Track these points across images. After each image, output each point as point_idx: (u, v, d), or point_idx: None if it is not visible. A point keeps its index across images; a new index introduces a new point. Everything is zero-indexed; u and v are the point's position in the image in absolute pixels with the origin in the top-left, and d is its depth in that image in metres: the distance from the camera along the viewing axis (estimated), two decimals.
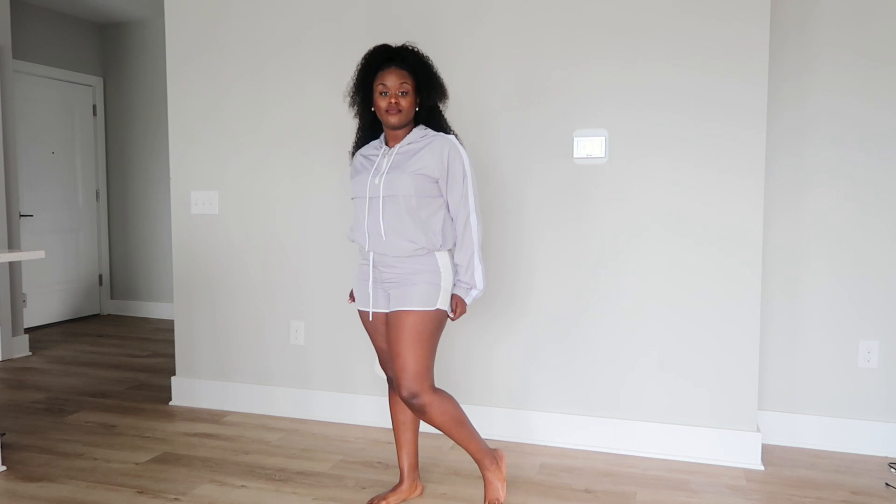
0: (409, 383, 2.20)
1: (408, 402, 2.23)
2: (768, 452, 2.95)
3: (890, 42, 2.87)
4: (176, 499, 2.49)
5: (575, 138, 2.92)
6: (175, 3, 3.46)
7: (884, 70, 2.88)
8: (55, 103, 5.75)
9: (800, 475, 2.75)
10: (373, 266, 2.29)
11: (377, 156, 2.30)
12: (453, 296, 2.28)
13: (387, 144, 2.31)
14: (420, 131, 2.28)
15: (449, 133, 2.31)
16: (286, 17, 3.28)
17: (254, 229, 3.42)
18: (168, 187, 5.88)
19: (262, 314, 3.44)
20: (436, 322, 2.23)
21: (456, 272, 2.29)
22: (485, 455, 2.36)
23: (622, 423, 2.95)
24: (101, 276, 6.24)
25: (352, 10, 3.18)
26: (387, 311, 2.31)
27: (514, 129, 2.99)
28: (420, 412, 2.23)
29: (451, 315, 2.28)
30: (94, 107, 6.11)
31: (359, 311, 2.40)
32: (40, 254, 2.83)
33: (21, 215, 5.05)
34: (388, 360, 2.40)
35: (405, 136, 2.28)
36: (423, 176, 2.21)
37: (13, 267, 4.62)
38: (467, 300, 2.29)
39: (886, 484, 2.67)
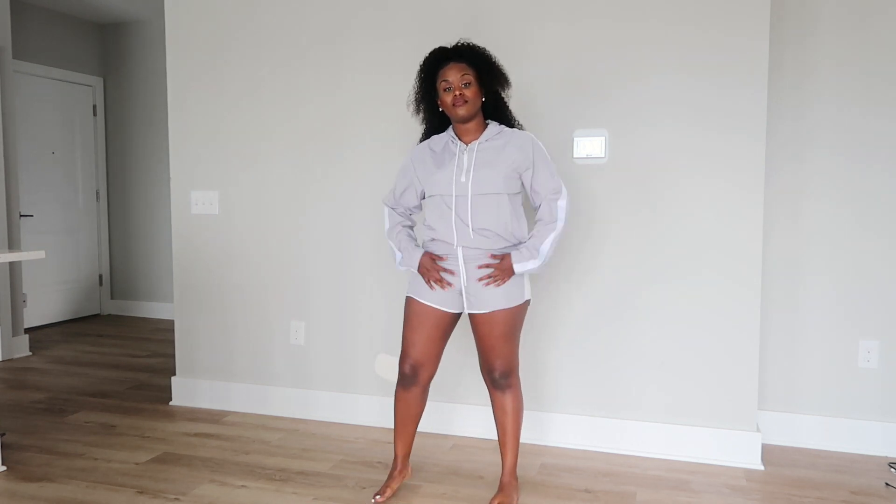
0: (505, 367, 2.35)
1: (497, 381, 2.37)
2: (768, 452, 2.96)
3: (890, 52, 2.87)
4: (176, 499, 2.49)
5: (575, 138, 2.92)
6: (175, 3, 3.46)
7: (883, 80, 2.88)
8: (55, 103, 5.75)
9: (800, 475, 2.75)
10: (464, 262, 2.29)
11: (454, 153, 2.30)
12: (503, 257, 2.28)
13: (461, 140, 2.31)
14: (495, 127, 2.32)
15: (514, 124, 2.37)
16: (286, 17, 3.28)
17: (254, 229, 3.42)
18: (168, 187, 5.88)
19: (262, 314, 3.44)
20: (524, 312, 2.38)
21: (529, 238, 2.30)
22: (515, 469, 2.45)
23: (622, 423, 2.95)
24: (101, 276, 6.24)
25: (352, 10, 3.18)
26: (470, 310, 2.33)
27: None
28: (505, 390, 2.38)
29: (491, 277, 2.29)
30: (94, 107, 6.11)
31: (413, 298, 2.37)
32: (40, 254, 2.83)
33: (21, 215, 5.04)
34: (425, 349, 2.37)
35: (478, 130, 2.31)
36: (513, 172, 2.27)
37: (13, 267, 4.62)
38: (520, 268, 2.27)
39: (886, 484, 2.68)
